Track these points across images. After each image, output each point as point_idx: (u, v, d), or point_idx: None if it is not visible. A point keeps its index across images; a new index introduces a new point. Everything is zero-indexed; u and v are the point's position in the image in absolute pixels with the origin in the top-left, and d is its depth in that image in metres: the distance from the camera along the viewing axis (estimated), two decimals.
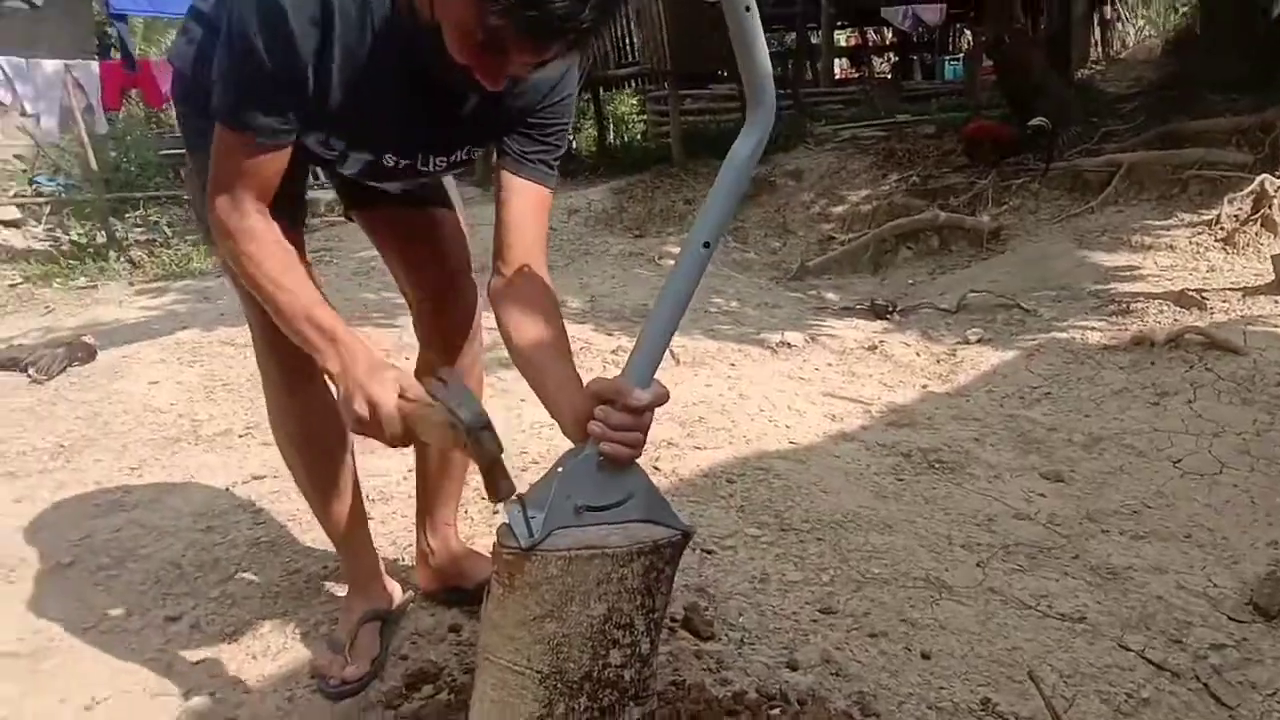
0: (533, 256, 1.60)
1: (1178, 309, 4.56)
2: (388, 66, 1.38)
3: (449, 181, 1.94)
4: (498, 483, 1.26)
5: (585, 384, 1.35)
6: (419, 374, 2.02)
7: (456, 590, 2.10)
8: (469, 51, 1.22)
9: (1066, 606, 2.22)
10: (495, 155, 1.62)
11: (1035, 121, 7.38)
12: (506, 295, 1.59)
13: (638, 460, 1.31)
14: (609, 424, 1.26)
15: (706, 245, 1.24)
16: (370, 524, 2.56)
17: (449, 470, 2.11)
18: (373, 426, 1.30)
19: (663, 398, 1.30)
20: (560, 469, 1.28)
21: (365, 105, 1.43)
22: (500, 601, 1.26)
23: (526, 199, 1.60)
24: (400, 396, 1.31)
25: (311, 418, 1.86)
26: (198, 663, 2.00)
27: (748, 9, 1.16)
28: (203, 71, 1.46)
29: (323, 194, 11.12)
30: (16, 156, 10.75)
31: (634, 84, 13.58)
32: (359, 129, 1.50)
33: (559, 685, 1.23)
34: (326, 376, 1.39)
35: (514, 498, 1.28)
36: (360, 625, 1.91)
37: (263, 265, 1.43)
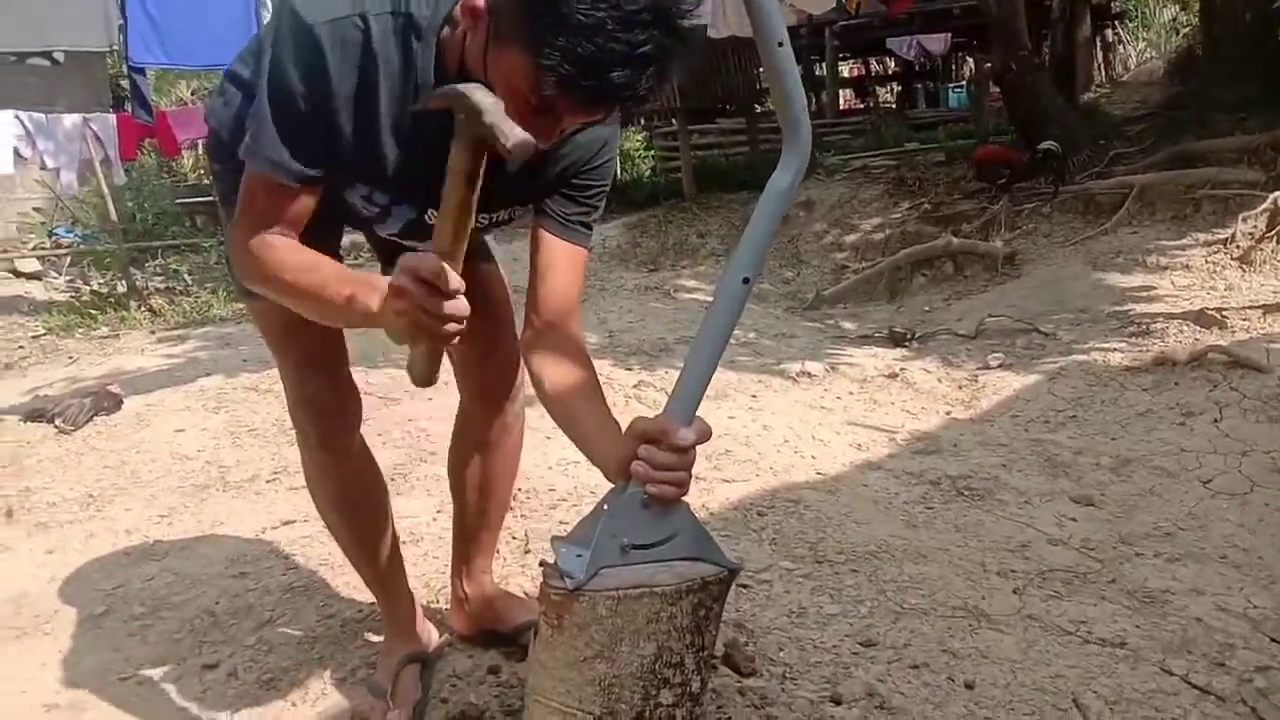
0: (567, 311, 1.60)
1: (1198, 328, 4.55)
2: (431, 118, 1.33)
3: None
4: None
5: (627, 425, 1.35)
6: (459, 433, 2.04)
7: (493, 634, 2.10)
8: (520, 111, 1.21)
9: (1106, 631, 2.20)
10: (534, 213, 1.62)
11: (1045, 145, 7.41)
12: (539, 345, 1.60)
13: (684, 498, 1.32)
14: (653, 463, 1.26)
15: (746, 280, 1.25)
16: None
17: (486, 519, 2.11)
18: (432, 302, 1.22)
19: (706, 434, 1.30)
20: (605, 507, 1.28)
21: (409, 157, 1.43)
22: (549, 642, 1.25)
23: (564, 257, 1.60)
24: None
25: (348, 470, 1.86)
26: (236, 711, 2.00)
27: (780, 44, 1.18)
28: (239, 134, 1.47)
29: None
30: (35, 209, 10.89)
31: (640, 121, 13.69)
32: (402, 182, 1.48)
33: None
34: (377, 316, 1.30)
35: (557, 538, 1.28)
36: (400, 669, 1.90)
37: (286, 263, 1.40)
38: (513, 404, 2.00)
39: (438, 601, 2.35)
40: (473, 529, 2.12)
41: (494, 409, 1.98)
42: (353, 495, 1.90)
